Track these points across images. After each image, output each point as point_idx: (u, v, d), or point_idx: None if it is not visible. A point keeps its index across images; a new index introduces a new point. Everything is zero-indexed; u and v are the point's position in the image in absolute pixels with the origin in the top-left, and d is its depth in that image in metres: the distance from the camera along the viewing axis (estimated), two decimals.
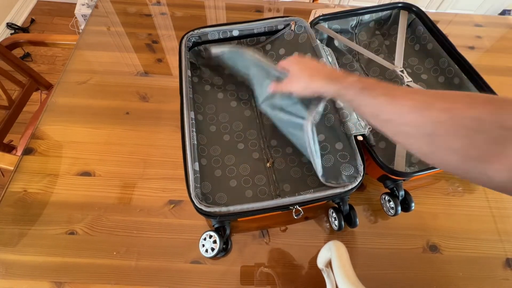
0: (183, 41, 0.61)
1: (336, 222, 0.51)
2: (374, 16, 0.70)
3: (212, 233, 0.48)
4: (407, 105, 0.31)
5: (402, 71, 0.60)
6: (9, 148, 0.89)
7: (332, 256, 0.36)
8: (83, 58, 0.74)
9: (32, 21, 1.85)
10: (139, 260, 0.50)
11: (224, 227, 0.49)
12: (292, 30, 0.64)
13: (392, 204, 0.51)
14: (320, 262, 0.43)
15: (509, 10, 1.73)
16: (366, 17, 0.70)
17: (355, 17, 0.69)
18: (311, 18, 0.84)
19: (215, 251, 0.46)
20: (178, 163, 0.59)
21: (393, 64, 0.63)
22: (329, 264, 0.43)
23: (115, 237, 0.52)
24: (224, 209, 0.45)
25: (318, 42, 0.61)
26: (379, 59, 0.64)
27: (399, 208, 0.50)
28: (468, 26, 0.88)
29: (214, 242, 0.47)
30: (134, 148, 0.61)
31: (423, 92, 0.33)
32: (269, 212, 0.46)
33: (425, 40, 0.66)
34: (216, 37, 0.65)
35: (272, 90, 0.47)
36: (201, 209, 0.45)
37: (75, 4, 1.67)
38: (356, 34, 0.73)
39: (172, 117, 0.65)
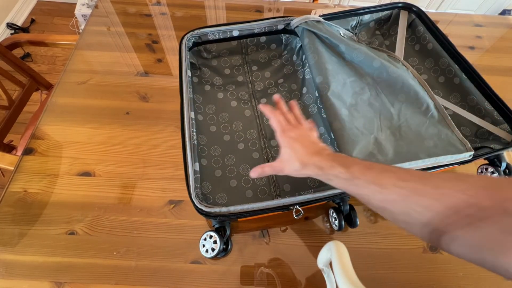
0: (183, 41, 0.61)
1: (336, 222, 0.51)
2: (374, 16, 0.70)
3: (213, 233, 0.48)
4: (397, 194, 0.29)
5: None
6: (9, 148, 0.89)
7: (333, 256, 0.36)
8: (83, 58, 0.74)
9: (32, 21, 1.85)
10: (139, 260, 0.50)
11: (224, 227, 0.49)
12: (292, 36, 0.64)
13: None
14: (320, 262, 0.43)
15: (509, 10, 1.74)
16: (366, 17, 0.70)
17: (355, 17, 0.69)
18: None
19: (216, 252, 0.46)
20: (178, 163, 0.59)
21: None
22: (329, 264, 0.43)
23: (115, 237, 0.52)
24: (224, 209, 0.45)
25: (306, 40, 0.61)
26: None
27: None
28: (468, 26, 0.88)
29: (215, 242, 0.47)
30: (134, 148, 0.61)
31: (412, 177, 0.31)
32: (269, 212, 0.46)
33: (425, 40, 0.66)
34: (216, 37, 0.65)
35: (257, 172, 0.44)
36: (201, 209, 0.45)
37: (75, 4, 1.67)
38: (356, 34, 0.73)
39: (172, 117, 0.65)
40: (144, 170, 0.58)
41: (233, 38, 0.66)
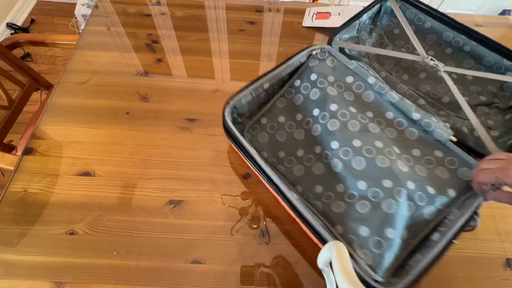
0: (227, 119, 0.51)
1: None
2: (370, 13, 0.70)
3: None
4: None
5: (432, 59, 0.57)
6: (9, 148, 0.89)
7: (333, 256, 0.36)
8: (83, 58, 0.74)
9: (32, 21, 1.85)
10: (139, 260, 0.50)
11: None
12: (315, 58, 0.59)
13: None
14: (321, 262, 0.43)
15: (509, 10, 1.73)
16: (364, 17, 0.70)
17: (357, 21, 0.69)
18: (305, 17, 0.84)
19: None
20: (178, 163, 0.59)
21: (417, 54, 0.59)
22: (329, 264, 0.43)
23: (115, 237, 0.52)
24: None
25: (355, 62, 0.57)
26: (403, 55, 0.61)
27: None
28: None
29: None
30: (134, 148, 0.61)
31: None
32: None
33: (420, 21, 0.66)
34: (250, 98, 0.56)
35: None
36: None
37: (75, 4, 1.67)
38: (358, 36, 0.72)
39: (172, 117, 0.65)
40: (144, 170, 0.58)
41: (264, 91, 0.58)
